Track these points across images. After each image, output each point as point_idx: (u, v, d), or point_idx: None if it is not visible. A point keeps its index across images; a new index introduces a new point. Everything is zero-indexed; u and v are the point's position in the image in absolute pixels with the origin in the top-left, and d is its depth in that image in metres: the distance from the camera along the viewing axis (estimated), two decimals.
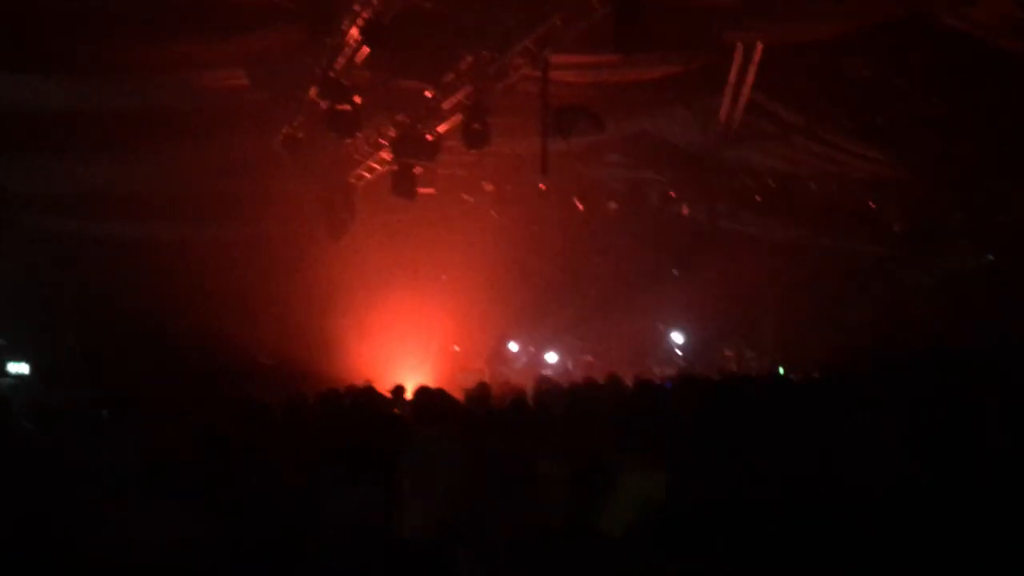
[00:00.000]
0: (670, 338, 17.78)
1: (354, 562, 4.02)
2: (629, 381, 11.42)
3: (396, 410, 8.24)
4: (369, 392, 8.08)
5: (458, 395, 8.27)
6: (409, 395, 9.67)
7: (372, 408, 7.05)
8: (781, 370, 14.06)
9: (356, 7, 8.44)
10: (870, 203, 13.87)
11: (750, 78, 10.14)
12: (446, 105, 10.43)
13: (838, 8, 8.61)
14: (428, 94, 10.41)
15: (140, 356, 12.86)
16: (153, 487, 4.30)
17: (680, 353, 17.57)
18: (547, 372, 14.86)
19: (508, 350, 17.31)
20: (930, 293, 14.34)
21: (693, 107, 11.43)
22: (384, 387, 10.41)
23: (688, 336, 17.73)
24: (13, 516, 4.19)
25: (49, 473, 4.87)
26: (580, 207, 15.10)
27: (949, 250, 14.44)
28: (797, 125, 11.66)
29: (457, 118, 10.41)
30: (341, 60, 9.26)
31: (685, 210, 14.95)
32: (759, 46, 9.59)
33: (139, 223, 13.47)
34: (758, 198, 14.26)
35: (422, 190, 12.26)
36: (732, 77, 10.20)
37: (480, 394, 7.92)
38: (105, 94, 9.97)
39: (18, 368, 13.79)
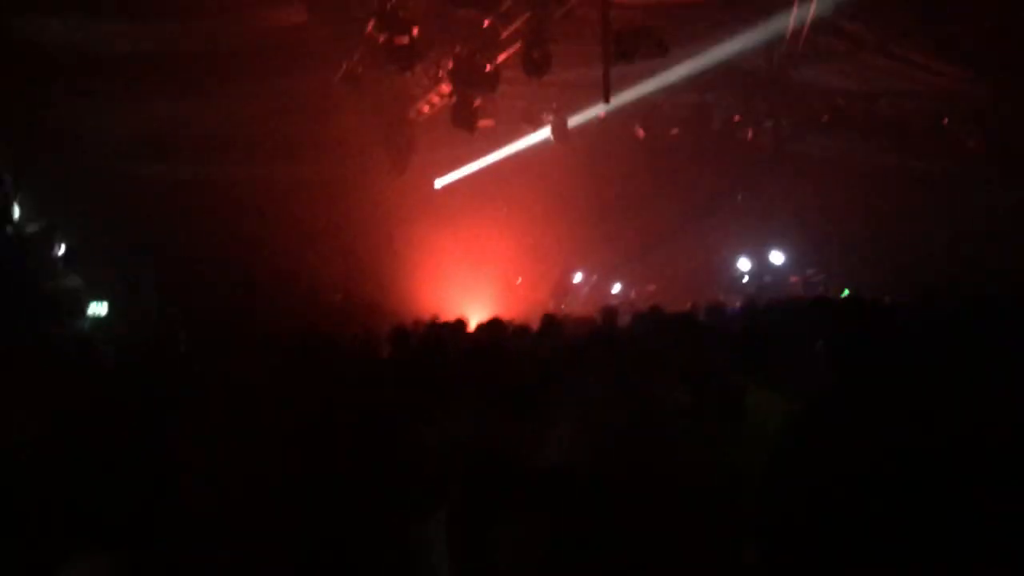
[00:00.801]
0: (735, 265, 17.57)
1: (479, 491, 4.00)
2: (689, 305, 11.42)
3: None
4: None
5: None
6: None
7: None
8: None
9: None
10: (944, 121, 13.39)
11: None
12: (504, 34, 10.30)
13: None
14: (486, 23, 10.28)
15: (213, 294, 13.19)
16: (241, 420, 4.39)
17: (745, 280, 17.38)
18: (611, 302, 14.84)
19: (571, 281, 17.33)
20: (1007, 214, 13.87)
21: (757, 26, 11.10)
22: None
23: (752, 263, 17.50)
24: (103, 451, 4.31)
25: (136, 408, 5.02)
26: (641, 134, 14.90)
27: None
28: (867, 41, 11.25)
29: (516, 46, 10.29)
30: None
31: (750, 134, 14.62)
32: None
33: (207, 164, 13.71)
34: (826, 118, 13.87)
35: (482, 123, 12.21)
36: None
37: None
38: (169, 37, 10.07)
39: (98, 308, 14.23)
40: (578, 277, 17.59)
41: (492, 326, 7.24)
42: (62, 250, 13.50)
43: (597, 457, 3.95)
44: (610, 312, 9.13)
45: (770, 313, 5.95)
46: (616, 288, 18.08)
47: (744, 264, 17.44)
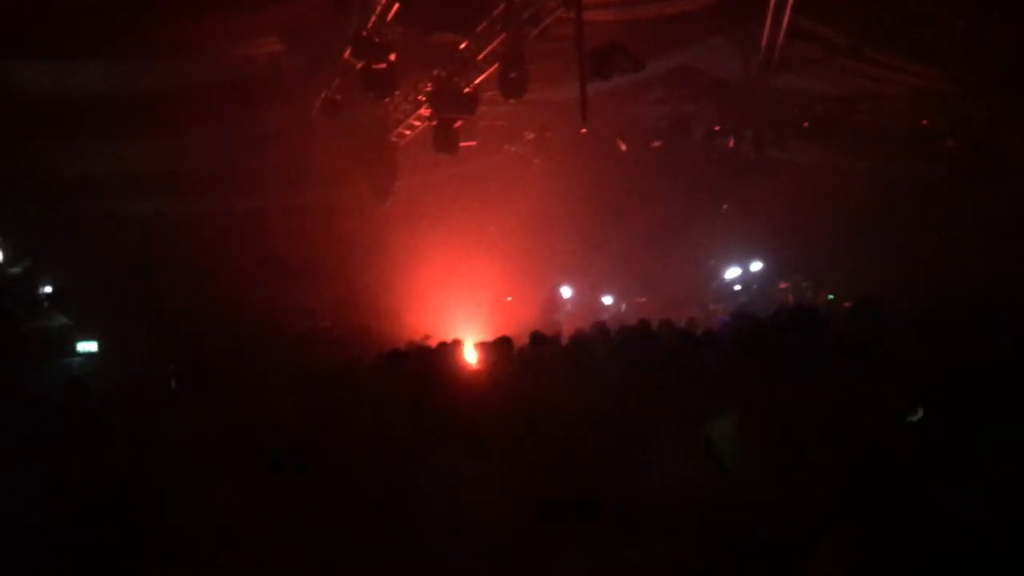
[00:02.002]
0: (723, 274, 17.60)
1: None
2: (684, 320, 11.43)
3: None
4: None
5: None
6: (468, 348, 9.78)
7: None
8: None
9: None
10: (923, 123, 13.45)
11: (791, 1, 9.85)
12: (481, 56, 10.33)
13: None
14: (462, 46, 10.31)
15: (202, 327, 13.14)
16: (233, 462, 4.36)
17: (735, 289, 17.41)
18: (602, 316, 14.83)
19: (560, 296, 17.32)
20: (991, 217, 13.92)
21: (733, 36, 11.15)
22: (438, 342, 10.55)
23: (742, 271, 17.53)
24: (91, 494, 4.28)
25: (126, 450, 4.99)
26: (623, 148, 14.93)
27: (1007, 169, 13.97)
28: (843, 46, 11.30)
29: (493, 68, 10.32)
30: (373, 18, 9.21)
31: (731, 142, 14.66)
32: None
33: (190, 200, 13.70)
34: (806, 125, 13.92)
35: (464, 144, 12.22)
36: (772, 2, 9.92)
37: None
38: (144, 75, 10.09)
39: (87, 347, 14.18)
40: (567, 292, 17.59)
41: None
42: (48, 290, 13.46)
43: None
44: (601, 327, 9.15)
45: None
46: (607, 300, 18.08)
47: (732, 272, 17.47)
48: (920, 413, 3.09)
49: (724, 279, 17.54)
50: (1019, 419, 2.86)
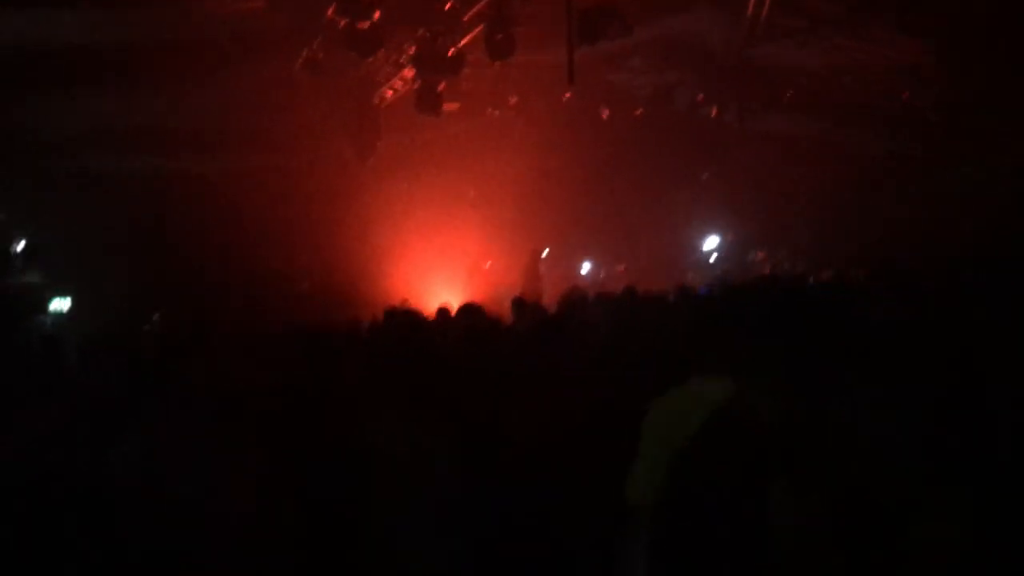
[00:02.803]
0: (702, 243, 17.68)
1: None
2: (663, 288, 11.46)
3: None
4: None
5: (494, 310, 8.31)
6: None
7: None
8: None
9: None
10: (904, 95, 13.50)
11: None
12: (467, 16, 10.23)
13: None
14: (448, 6, 10.20)
15: (179, 286, 13.03)
16: (213, 422, 4.33)
17: (712, 258, 17.49)
18: (580, 283, 14.87)
19: (540, 263, 17.33)
20: (969, 192, 14.04)
21: (719, 5, 11.12)
22: (420, 306, 10.54)
23: (720, 241, 17.61)
24: (63, 458, 4.24)
25: (100, 410, 4.94)
26: (606, 115, 14.90)
27: (988, 146, 14.08)
28: (827, 16, 11.31)
29: (479, 29, 10.22)
30: None
31: (714, 112, 14.67)
32: None
33: (167, 157, 13.51)
34: (789, 96, 13.94)
35: (447, 106, 12.13)
36: None
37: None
38: (122, 27, 9.90)
39: (61, 304, 14.03)
40: (546, 259, 17.59)
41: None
42: (21, 246, 13.28)
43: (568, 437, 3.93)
44: (580, 293, 9.15)
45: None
46: (585, 268, 18.12)
47: (710, 242, 17.55)
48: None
49: (702, 249, 17.61)
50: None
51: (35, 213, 13.25)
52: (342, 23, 9.87)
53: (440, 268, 15.54)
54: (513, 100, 13.98)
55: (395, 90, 12.68)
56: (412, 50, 11.30)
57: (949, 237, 12.09)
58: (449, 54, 10.91)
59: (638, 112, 14.90)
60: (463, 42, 10.75)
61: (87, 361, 6.22)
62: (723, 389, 3.08)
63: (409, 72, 11.78)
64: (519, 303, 8.27)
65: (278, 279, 14.15)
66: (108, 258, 13.64)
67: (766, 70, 13.52)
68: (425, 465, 3.74)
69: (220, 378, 5.12)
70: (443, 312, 8.49)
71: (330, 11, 9.95)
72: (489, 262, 16.51)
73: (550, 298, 11.60)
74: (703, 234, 17.66)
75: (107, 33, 9.98)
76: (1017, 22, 10.48)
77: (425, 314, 8.36)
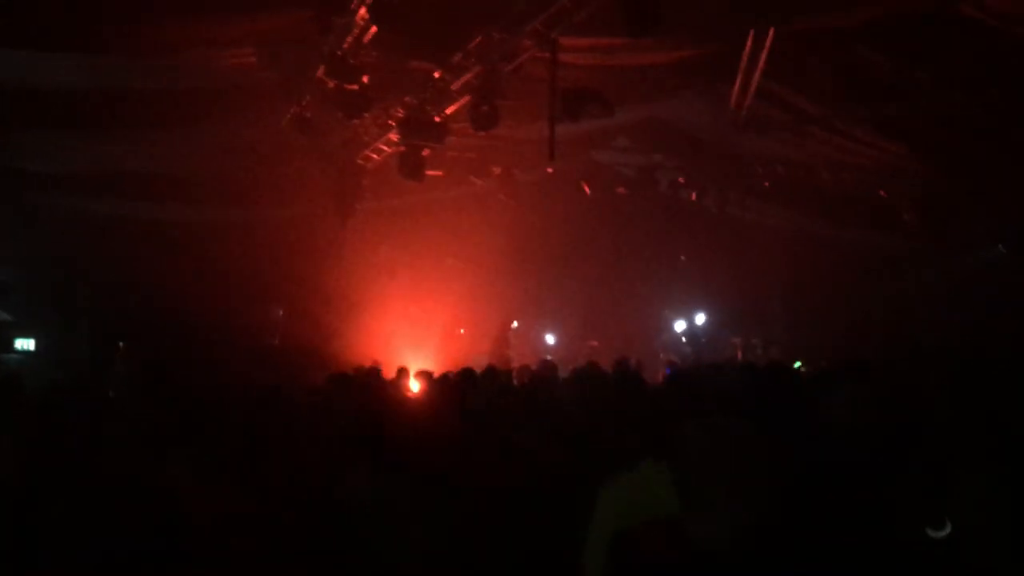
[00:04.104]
0: (676, 325, 17.73)
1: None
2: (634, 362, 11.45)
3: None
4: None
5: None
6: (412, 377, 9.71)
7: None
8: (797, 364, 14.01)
9: None
10: (881, 192, 13.74)
11: (761, 64, 10.05)
12: (454, 86, 10.39)
13: None
14: (436, 75, 10.36)
15: (149, 335, 12.91)
16: (170, 460, 4.30)
17: (685, 340, 17.53)
18: (546, 355, 14.85)
19: (513, 333, 17.32)
20: (941, 289, 14.22)
21: (703, 93, 11.34)
22: (390, 369, 10.48)
23: (694, 324, 17.68)
24: (25, 494, 4.20)
25: (59, 450, 4.88)
26: (587, 191, 15.07)
27: (961, 243, 14.31)
28: (809, 113, 11.57)
29: (465, 100, 10.38)
30: (349, 39, 9.23)
31: (694, 196, 14.88)
32: (771, 32, 9.50)
33: (149, 204, 13.51)
34: (767, 185, 14.17)
35: (430, 172, 12.24)
36: (743, 63, 10.12)
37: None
38: (117, 74, 9.95)
39: (25, 344, 13.85)
40: (519, 329, 17.58)
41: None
42: None
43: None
44: (551, 366, 9.19)
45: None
46: (551, 339, 18.11)
47: (681, 325, 17.62)
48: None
49: (675, 329, 17.67)
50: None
51: (9, 250, 13.15)
52: (331, 84, 9.99)
53: (413, 332, 15.50)
54: (496, 171, 14.13)
55: (380, 153, 12.78)
56: (399, 115, 11.44)
57: (921, 331, 12.20)
58: (435, 121, 11.06)
59: (619, 191, 15.08)
60: (449, 111, 10.90)
61: (48, 403, 6.16)
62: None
63: (394, 136, 11.90)
64: (490, 371, 8.28)
65: (249, 332, 14.06)
66: (77, 299, 13.53)
67: (746, 159, 13.75)
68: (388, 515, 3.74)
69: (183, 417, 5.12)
70: (402, 372, 8.47)
71: (320, 71, 10.08)
72: (463, 329, 16.50)
73: (518, 366, 11.58)
74: (677, 315, 17.73)
75: (101, 78, 10.02)
76: (994, 128, 10.75)
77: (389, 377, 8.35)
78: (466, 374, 7.01)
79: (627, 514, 3.04)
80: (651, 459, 3.37)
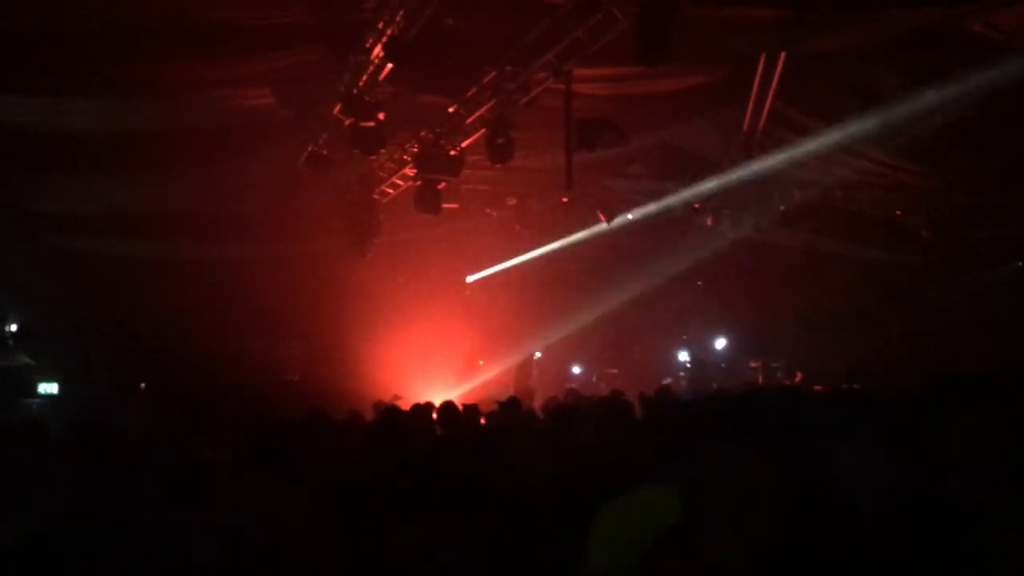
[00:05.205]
0: (694, 350, 17.69)
1: None
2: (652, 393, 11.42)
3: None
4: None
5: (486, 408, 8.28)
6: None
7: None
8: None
9: (380, 25, 8.50)
10: (898, 213, 13.72)
11: (773, 87, 10.10)
12: (469, 120, 10.46)
13: (871, 17, 8.51)
14: (451, 109, 10.44)
15: (168, 374, 12.95)
16: (191, 505, 4.27)
17: (705, 366, 17.47)
18: (572, 385, 14.82)
19: (532, 363, 17.30)
20: (959, 306, 14.15)
21: (715, 117, 11.39)
22: (408, 403, 10.45)
23: (712, 348, 17.62)
24: (50, 542, 4.17)
25: (85, 495, 4.86)
26: (603, 219, 15.08)
27: (977, 261, 14.25)
28: (821, 134, 11.56)
29: (480, 133, 10.44)
30: (364, 77, 9.32)
31: (709, 221, 14.87)
32: (782, 55, 9.54)
33: (167, 242, 13.60)
34: (782, 208, 14.15)
35: (446, 205, 12.29)
36: (755, 87, 10.16)
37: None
38: (131, 115, 10.06)
39: (48, 388, 13.92)
40: (540, 359, 17.57)
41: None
42: (14, 328, 13.24)
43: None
44: (576, 396, 9.17)
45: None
46: (576, 369, 18.08)
47: (703, 349, 17.58)
48: None
49: (695, 355, 17.62)
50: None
51: (30, 293, 13.25)
52: (347, 121, 10.08)
53: (434, 365, 15.50)
54: (512, 202, 14.18)
55: (396, 187, 12.86)
56: (414, 149, 11.53)
57: (941, 351, 12.12)
58: (450, 155, 11.13)
59: (634, 217, 15.08)
60: (464, 144, 10.97)
61: (69, 449, 6.16)
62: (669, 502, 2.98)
63: (410, 171, 11.98)
64: (512, 403, 8.27)
65: (269, 369, 14.10)
66: (97, 342, 13.60)
67: (761, 182, 13.75)
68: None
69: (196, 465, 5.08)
70: (421, 408, 8.45)
71: (336, 109, 10.18)
72: (482, 360, 16.48)
73: (541, 399, 11.55)
74: (696, 341, 17.68)
75: (117, 119, 10.13)
76: (1007, 143, 10.74)
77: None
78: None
79: (623, 539, 3.01)
80: (650, 483, 3.35)
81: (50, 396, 13.84)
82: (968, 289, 14.57)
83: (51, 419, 8.88)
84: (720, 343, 17.39)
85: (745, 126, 11.12)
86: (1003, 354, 11.09)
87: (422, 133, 11.19)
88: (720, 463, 2.48)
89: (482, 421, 8.03)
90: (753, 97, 10.38)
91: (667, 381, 16.11)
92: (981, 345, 11.90)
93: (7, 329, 13.56)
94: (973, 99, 10.05)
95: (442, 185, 11.85)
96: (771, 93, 10.20)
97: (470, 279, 16.17)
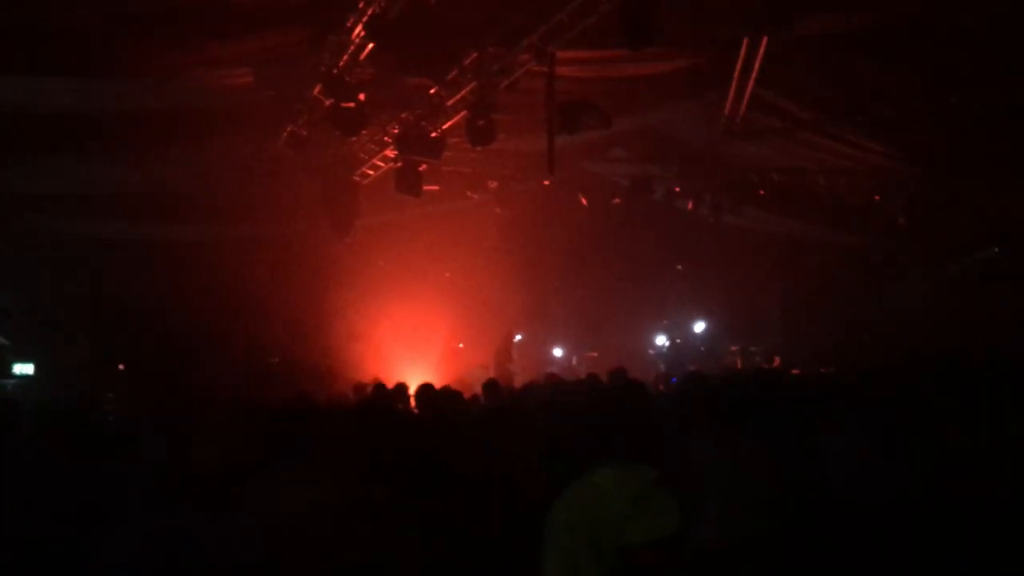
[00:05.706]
0: (674, 334, 17.77)
1: None
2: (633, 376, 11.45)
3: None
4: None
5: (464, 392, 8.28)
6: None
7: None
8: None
9: (361, 4, 8.44)
10: (876, 197, 13.81)
11: (754, 72, 10.13)
12: (450, 102, 10.42)
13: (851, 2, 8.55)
14: (432, 91, 10.39)
15: (148, 355, 12.87)
16: (172, 495, 4.23)
17: (681, 349, 17.55)
18: (552, 369, 14.85)
19: (513, 346, 17.33)
20: (937, 291, 14.29)
21: (697, 102, 11.41)
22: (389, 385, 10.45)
23: (692, 332, 17.71)
24: (19, 527, 4.12)
25: (55, 480, 4.81)
26: (584, 203, 15.10)
27: (956, 245, 14.39)
28: (802, 119, 11.63)
29: (462, 115, 10.40)
30: (345, 57, 9.25)
31: (690, 205, 14.92)
32: (764, 40, 9.57)
33: (146, 223, 13.47)
34: (762, 192, 14.22)
35: (427, 187, 12.26)
36: (736, 71, 10.19)
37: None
38: (111, 96, 9.95)
39: (23, 368, 13.78)
40: (519, 342, 17.59)
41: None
42: None
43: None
44: (553, 379, 9.18)
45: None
46: (557, 352, 18.13)
47: (682, 333, 17.66)
48: None
49: (672, 339, 17.70)
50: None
51: (6, 274, 13.10)
52: (328, 102, 10.01)
53: (413, 347, 15.49)
54: (492, 184, 14.16)
55: (376, 169, 12.80)
56: (395, 131, 11.47)
57: (916, 336, 12.24)
58: (432, 137, 11.08)
59: (616, 201, 15.12)
60: (445, 126, 10.93)
61: (43, 429, 6.09)
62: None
63: (391, 152, 11.92)
64: (492, 385, 8.28)
65: (248, 352, 14.03)
66: (75, 323, 13.48)
67: (741, 166, 13.81)
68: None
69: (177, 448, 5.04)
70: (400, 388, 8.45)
71: (316, 90, 10.10)
72: (462, 343, 16.48)
73: (521, 381, 11.58)
74: (675, 324, 17.76)
75: (97, 100, 10.01)
76: (986, 130, 10.83)
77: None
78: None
79: (582, 525, 2.95)
80: (604, 467, 3.33)
81: (25, 377, 13.70)
82: (944, 275, 14.72)
83: (25, 400, 8.82)
84: (700, 327, 17.47)
85: (726, 110, 11.16)
86: (980, 338, 11.21)
87: (403, 115, 11.13)
88: (713, 452, 2.52)
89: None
90: (735, 82, 10.42)
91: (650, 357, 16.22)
92: (957, 329, 12.02)
93: None
94: (953, 85, 10.17)
95: (423, 167, 11.82)
96: (752, 78, 10.24)
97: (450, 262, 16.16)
